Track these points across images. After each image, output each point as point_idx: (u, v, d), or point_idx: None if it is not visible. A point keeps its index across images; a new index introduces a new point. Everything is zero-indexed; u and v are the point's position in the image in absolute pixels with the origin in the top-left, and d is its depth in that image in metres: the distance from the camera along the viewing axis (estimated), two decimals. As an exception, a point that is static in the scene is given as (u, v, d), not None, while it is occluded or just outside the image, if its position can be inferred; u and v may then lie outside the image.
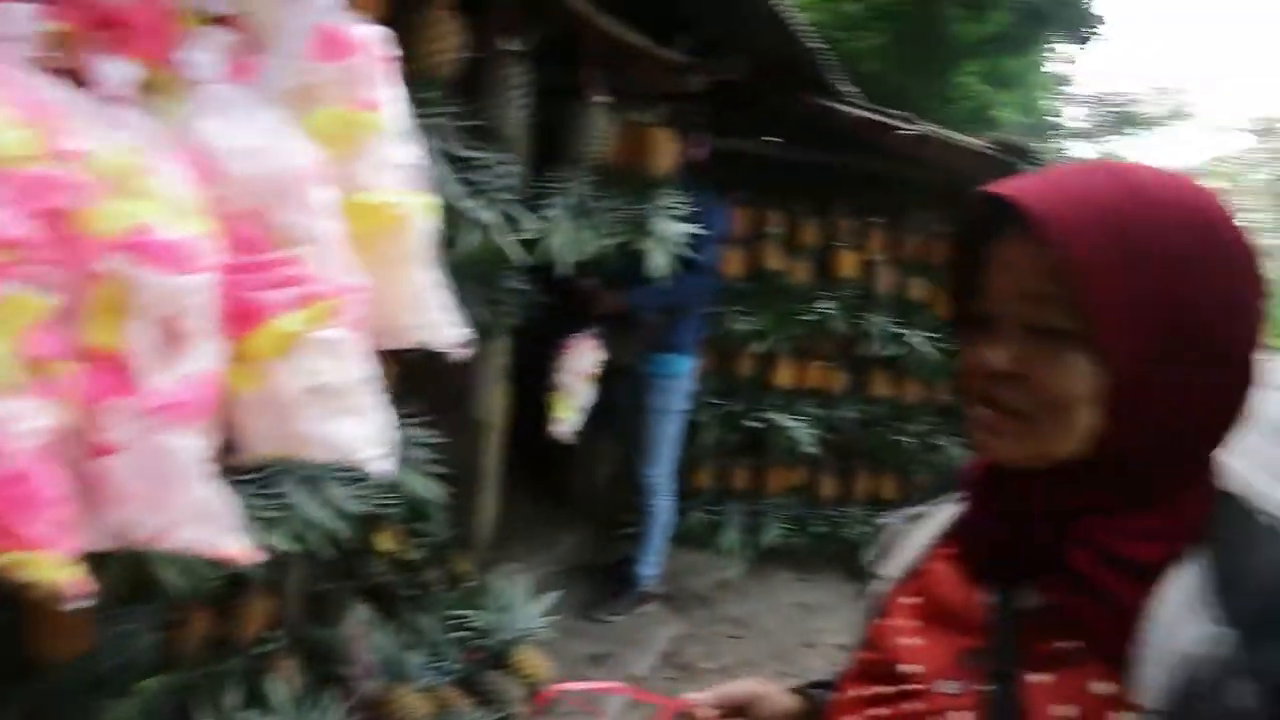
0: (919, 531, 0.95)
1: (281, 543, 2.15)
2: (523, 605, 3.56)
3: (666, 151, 3.20)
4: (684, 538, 4.86)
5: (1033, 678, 0.74)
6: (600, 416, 4.62)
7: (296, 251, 1.13)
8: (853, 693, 0.87)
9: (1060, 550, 0.75)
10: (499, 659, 3.36)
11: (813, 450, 4.72)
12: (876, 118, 4.25)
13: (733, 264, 4.56)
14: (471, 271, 3.01)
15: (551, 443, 5.30)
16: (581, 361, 3.88)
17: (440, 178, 2.13)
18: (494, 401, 3.72)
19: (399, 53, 2.10)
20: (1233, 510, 0.75)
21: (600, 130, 2.95)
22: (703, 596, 4.53)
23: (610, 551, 4.75)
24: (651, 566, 4.28)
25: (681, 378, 4.10)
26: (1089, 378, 0.72)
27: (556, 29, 3.21)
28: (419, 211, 1.35)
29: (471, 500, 3.77)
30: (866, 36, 15.31)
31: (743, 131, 4.85)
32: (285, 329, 1.12)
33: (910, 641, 0.86)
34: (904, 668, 0.83)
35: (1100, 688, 0.70)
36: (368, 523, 3.11)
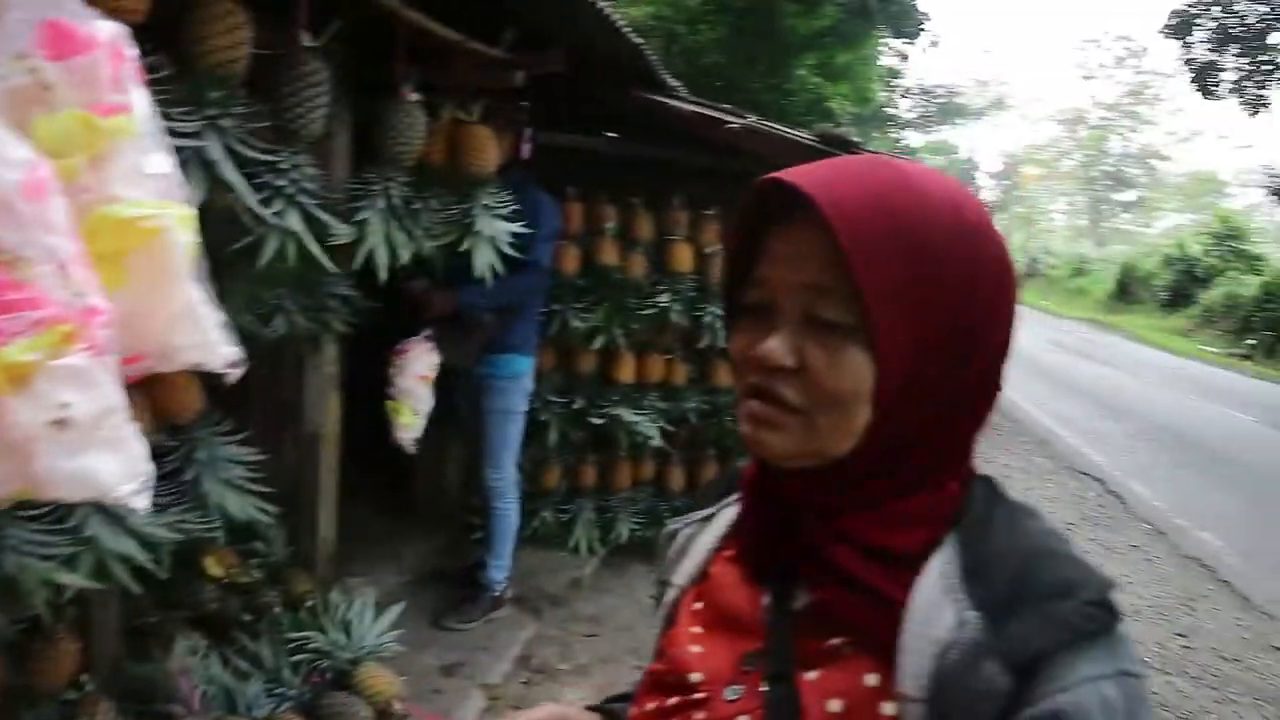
0: (704, 535, 0.95)
1: (82, 580, 1.99)
2: (366, 621, 3.45)
3: (489, 149, 3.13)
4: (534, 538, 4.82)
5: (808, 675, 0.75)
6: (442, 421, 4.53)
7: (23, 273, 1.02)
8: (647, 706, 0.86)
9: (823, 544, 0.75)
10: (343, 679, 3.24)
11: (659, 443, 4.74)
12: (704, 112, 4.30)
13: (569, 260, 4.53)
14: (288, 280, 2.90)
15: (396, 450, 5.18)
16: (418, 366, 3.76)
17: (234, 182, 2.01)
18: (327, 412, 3.58)
19: (185, 47, 2.00)
20: (980, 496, 0.78)
21: (417, 128, 2.85)
22: (556, 597, 4.49)
23: (459, 558, 4.67)
24: (501, 570, 4.22)
25: (519, 378, 4.05)
26: (867, 374, 0.72)
27: (364, 23, 3.11)
28: (178, 224, 1.24)
29: (308, 516, 3.62)
30: (705, 30, 15.64)
31: (577, 127, 4.84)
32: (16, 358, 1.02)
33: (695, 649, 0.85)
34: (692, 676, 0.82)
35: (870, 679, 0.72)
36: (189, 548, 2.95)
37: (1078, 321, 26.95)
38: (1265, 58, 16.74)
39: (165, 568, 2.45)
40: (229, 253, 2.36)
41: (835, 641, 0.75)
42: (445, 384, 3.89)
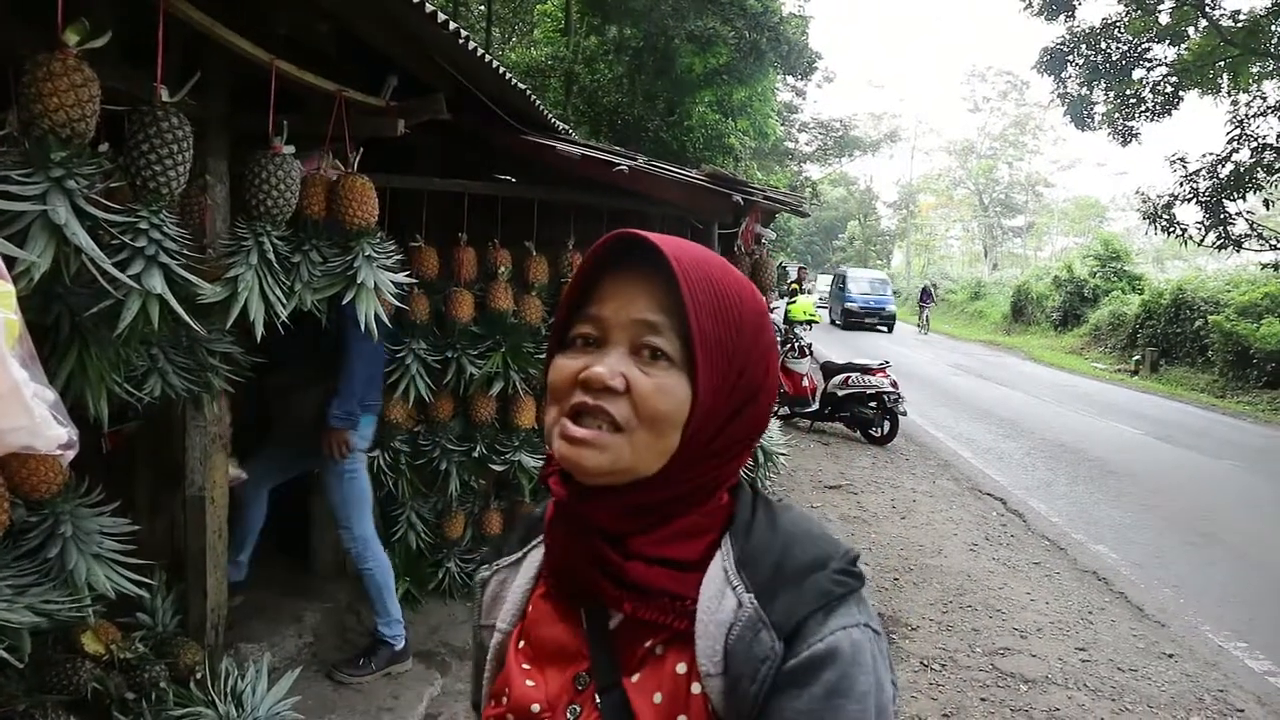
0: (517, 578, 1.02)
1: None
2: (260, 691, 3.29)
3: (369, 199, 3.07)
4: (439, 591, 4.71)
5: (632, 679, 0.87)
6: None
7: None
8: None
9: (615, 563, 0.87)
10: (235, 755, 3.09)
11: (562, 487, 4.68)
12: (593, 154, 4.32)
13: (463, 307, 4.47)
14: (160, 340, 2.78)
15: (294, 505, 5.02)
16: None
17: (84, 245, 1.92)
18: (212, 473, 3.43)
19: (26, 107, 1.91)
20: (745, 500, 0.93)
21: (291, 180, 2.79)
22: (464, 650, 4.38)
23: (364, 615, 4.53)
24: (391, 625, 4.10)
25: (358, 438, 4.00)
26: (685, 402, 0.85)
27: (240, 76, 3.04)
28: (-6, 300, 1.17)
29: (196, 582, 3.46)
30: (603, 70, 15.84)
31: (469, 173, 4.82)
32: None
33: (529, 684, 0.93)
34: (533, 708, 0.91)
35: (680, 668, 0.85)
36: (62, 626, 2.79)
37: (977, 344, 27.89)
38: (1131, 91, 17.74)
39: (24, 653, 2.31)
40: (88, 317, 2.26)
41: (649, 643, 0.87)
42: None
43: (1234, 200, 16.01)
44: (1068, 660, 4.86)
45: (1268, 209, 16.37)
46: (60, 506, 2.44)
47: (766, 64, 16.05)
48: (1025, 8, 17.96)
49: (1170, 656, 4.99)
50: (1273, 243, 16.02)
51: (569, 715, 0.89)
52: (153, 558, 3.30)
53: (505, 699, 0.93)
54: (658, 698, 0.85)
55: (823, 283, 38.76)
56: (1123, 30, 17.37)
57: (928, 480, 8.95)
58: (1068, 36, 17.89)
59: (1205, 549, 7.15)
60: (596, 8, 15.02)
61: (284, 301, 2.80)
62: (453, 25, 3.02)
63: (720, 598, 0.84)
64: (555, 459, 0.90)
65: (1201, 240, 16.50)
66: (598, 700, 0.87)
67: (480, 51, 3.34)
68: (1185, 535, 7.49)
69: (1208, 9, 16.05)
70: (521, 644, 0.97)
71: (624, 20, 14.73)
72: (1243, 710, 4.41)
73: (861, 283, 32.36)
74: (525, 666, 0.94)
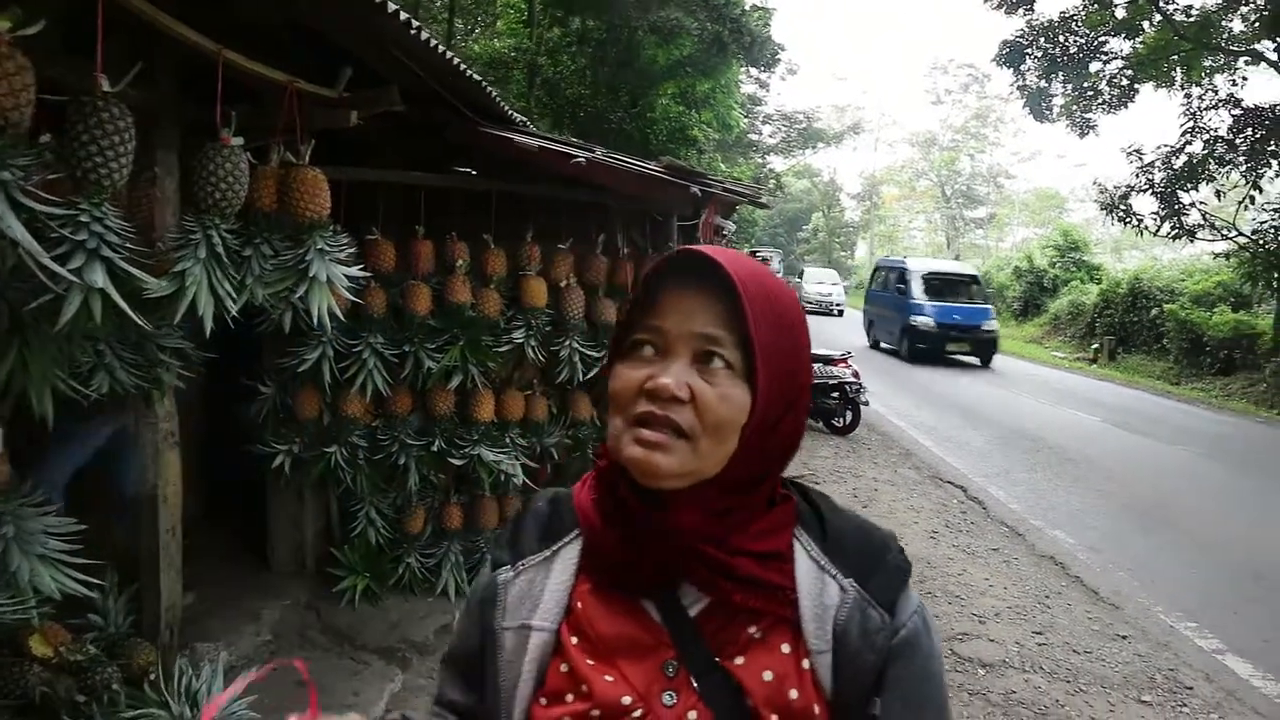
0: (548, 575, 1.02)
1: None
2: (215, 690, 3.25)
3: (321, 191, 3.04)
4: (399, 586, 4.68)
5: (736, 661, 0.93)
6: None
7: None
8: None
9: (723, 559, 0.93)
10: (190, 756, 3.05)
11: (522, 480, 4.68)
12: (551, 146, 4.30)
13: (420, 300, 4.44)
14: (105, 335, 2.73)
15: (251, 501, 4.97)
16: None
17: (20, 238, 1.88)
18: (164, 471, 3.38)
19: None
20: (800, 493, 1.04)
21: (239, 173, 2.74)
22: (424, 645, 4.35)
23: (324, 613, 4.50)
24: None
25: None
26: (745, 408, 0.92)
27: (179, 67, 2.99)
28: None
29: (149, 582, 3.41)
30: (566, 61, 15.77)
31: (427, 165, 4.78)
32: None
33: (607, 679, 0.95)
34: (624, 700, 0.93)
35: (785, 648, 0.93)
36: (8, 629, 2.73)
37: (940, 334, 28.13)
38: (1088, 84, 18.00)
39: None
40: (28, 312, 2.21)
41: (750, 630, 0.94)
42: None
43: (1188, 191, 16.31)
44: (1025, 644, 4.94)
45: (1219, 200, 16.71)
46: (1, 506, 2.38)
47: (729, 56, 16.07)
48: (986, 0, 18.14)
49: (1124, 638, 5.09)
50: (1224, 233, 16.34)
51: (665, 701, 0.93)
52: (107, 557, 3.26)
53: (579, 696, 0.95)
54: (767, 675, 0.92)
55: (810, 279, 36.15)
56: (1080, 24, 17.62)
57: (889, 469, 9.04)
58: (1027, 30, 18.11)
59: (1159, 533, 7.29)
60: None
61: (234, 296, 2.76)
62: (404, 16, 2.98)
63: (821, 585, 0.95)
64: (619, 460, 0.95)
65: (1157, 230, 16.80)
66: (695, 684, 0.93)
67: (435, 43, 3.31)
68: (1140, 520, 7.64)
69: (1162, 3, 16.31)
70: (576, 641, 0.98)
71: (587, 12, 14.68)
72: (1191, 688, 4.51)
73: (934, 284, 19.34)
74: (591, 662, 0.96)
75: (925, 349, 18.19)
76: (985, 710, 4.19)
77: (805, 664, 0.92)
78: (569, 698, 0.95)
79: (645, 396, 0.93)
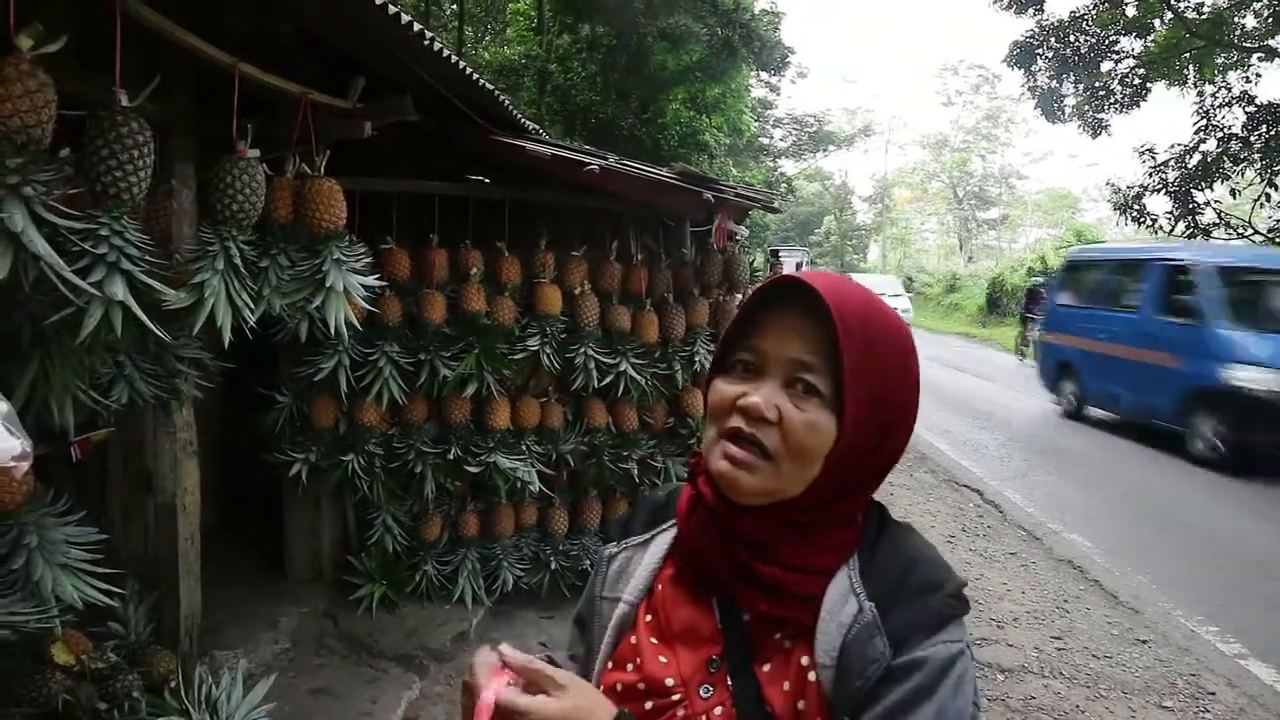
0: (644, 556, 1.12)
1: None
2: (235, 698, 3.27)
3: (337, 201, 3.06)
4: (416, 594, 4.69)
5: (763, 668, 0.97)
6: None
7: None
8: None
9: (757, 567, 0.98)
10: (211, 764, 3.07)
11: (538, 486, 4.68)
12: (563, 154, 4.31)
13: (435, 309, 4.46)
14: (126, 346, 2.76)
15: (269, 510, 5.00)
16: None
17: (42, 252, 1.90)
18: (183, 480, 3.40)
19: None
20: (874, 520, 1.04)
21: (255, 185, 2.76)
22: (441, 652, 4.36)
23: (341, 620, 4.51)
24: None
25: None
26: (830, 436, 0.95)
27: (205, 80, 3.01)
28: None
29: (169, 590, 3.44)
30: (576, 68, 15.81)
31: (442, 174, 4.80)
32: None
33: (662, 659, 1.02)
34: (667, 681, 1.00)
35: (804, 660, 0.96)
36: (31, 637, 2.75)
37: (954, 336, 28.06)
38: (1099, 84, 17.90)
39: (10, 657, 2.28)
40: (49, 325, 2.23)
41: (778, 636, 0.98)
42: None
43: (1202, 190, 16.17)
44: (1044, 649, 4.91)
45: (1234, 198, 16.58)
46: (25, 517, 2.41)
47: (739, 60, 16.06)
48: (994, 1, 18.07)
49: (1144, 642, 5.05)
50: (1240, 231, 16.21)
51: (701, 694, 0.99)
52: (127, 566, 3.28)
53: (634, 668, 1.04)
54: (786, 685, 0.96)
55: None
56: (1091, 23, 17.51)
57: (905, 473, 9.00)
58: (1037, 30, 18.02)
59: (1178, 536, 7.23)
60: (569, 6, 14.99)
61: (252, 306, 2.78)
62: (417, 27, 3.00)
63: (844, 601, 0.96)
64: (710, 473, 1.01)
65: (1171, 230, 16.67)
66: (730, 683, 0.98)
67: (447, 52, 3.32)
68: (1158, 523, 7.58)
69: (1173, 1, 16.22)
70: (649, 618, 1.07)
71: (596, 18, 14.71)
72: (1214, 693, 4.47)
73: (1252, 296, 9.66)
74: (654, 641, 1.04)
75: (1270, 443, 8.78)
76: (1005, 716, 4.16)
77: (813, 676, 0.95)
78: (628, 666, 1.04)
79: (737, 413, 0.97)
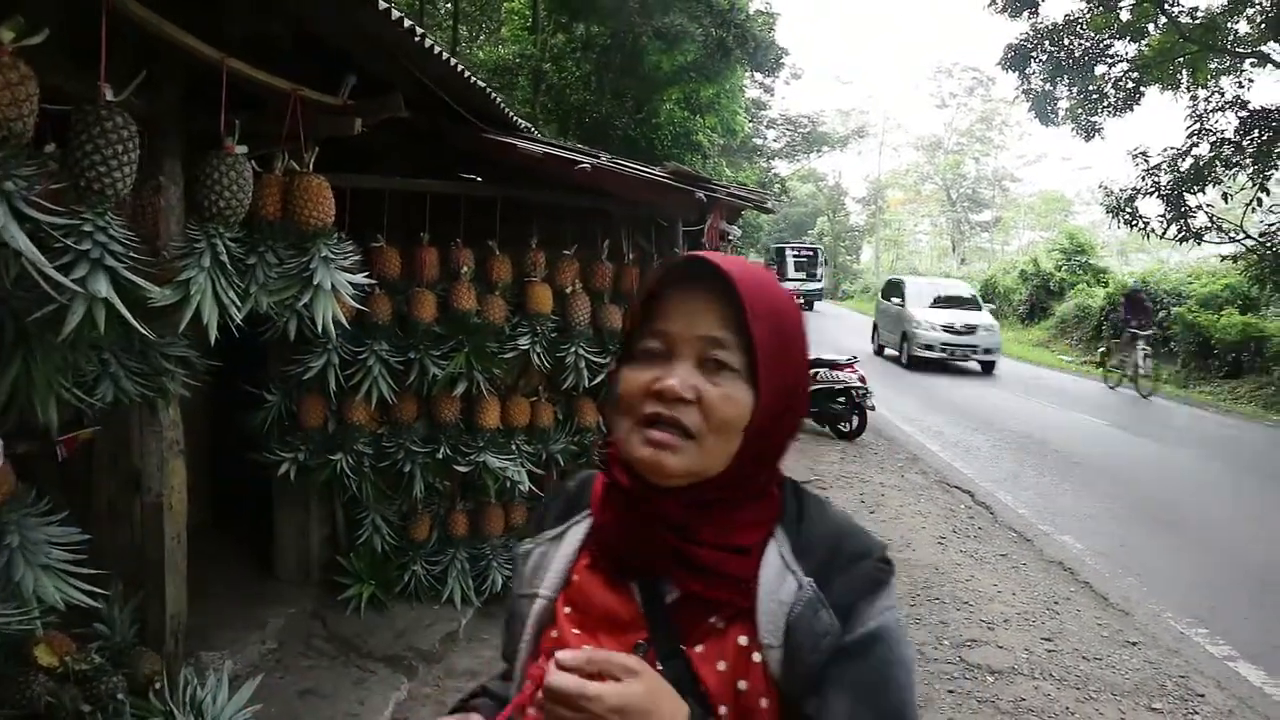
0: (559, 549, 1.11)
1: None
2: (221, 700, 3.25)
3: (325, 199, 3.03)
4: (405, 594, 4.67)
5: (696, 649, 0.97)
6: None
7: None
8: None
9: (687, 549, 0.98)
10: (197, 766, 3.04)
11: (528, 486, 4.66)
12: (555, 152, 4.30)
13: (425, 307, 4.44)
14: (110, 344, 2.73)
15: (258, 509, 4.97)
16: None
17: (23, 248, 1.88)
18: (169, 479, 3.37)
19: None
20: (791, 495, 1.05)
21: (243, 181, 2.74)
22: (430, 653, 4.34)
23: (329, 621, 4.49)
24: None
25: None
26: (748, 407, 0.96)
27: (192, 76, 2.98)
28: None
29: (155, 591, 3.41)
30: (571, 68, 15.80)
31: (434, 172, 4.78)
32: None
33: (585, 648, 0.97)
34: None
35: (742, 640, 0.96)
36: (12, 639, 2.73)
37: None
38: (1093, 87, 17.95)
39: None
40: (32, 322, 2.20)
41: (711, 619, 0.97)
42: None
43: (1194, 194, 16.22)
44: (1034, 650, 4.90)
45: (1226, 202, 16.63)
46: (6, 516, 2.38)
47: (733, 61, 16.07)
48: (989, 5, 18.09)
49: (1134, 644, 5.05)
50: (1232, 235, 16.27)
51: None
52: (113, 566, 3.25)
53: None
54: (721, 665, 0.96)
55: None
56: (1085, 27, 17.56)
57: (896, 474, 9.01)
58: (1031, 33, 18.06)
59: (1168, 538, 7.24)
60: (563, 6, 14.97)
61: (239, 304, 2.75)
62: (408, 23, 2.98)
63: (781, 580, 0.97)
64: (629, 461, 1.00)
65: (1163, 233, 16.70)
66: (659, 666, 0.95)
67: (439, 49, 3.30)
68: (1149, 525, 7.59)
69: (1167, 6, 16.27)
70: (568, 609, 1.05)
71: (591, 18, 14.70)
72: (1203, 695, 4.47)
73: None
74: (576, 632, 1.02)
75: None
76: (995, 717, 4.16)
77: (757, 657, 0.95)
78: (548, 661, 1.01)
79: (652, 398, 0.97)
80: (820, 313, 33.65)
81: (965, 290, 21.42)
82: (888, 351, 20.28)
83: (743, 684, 0.95)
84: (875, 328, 21.60)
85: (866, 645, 0.94)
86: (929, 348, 17.89)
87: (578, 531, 1.11)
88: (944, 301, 19.47)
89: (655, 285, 1.03)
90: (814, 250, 37.33)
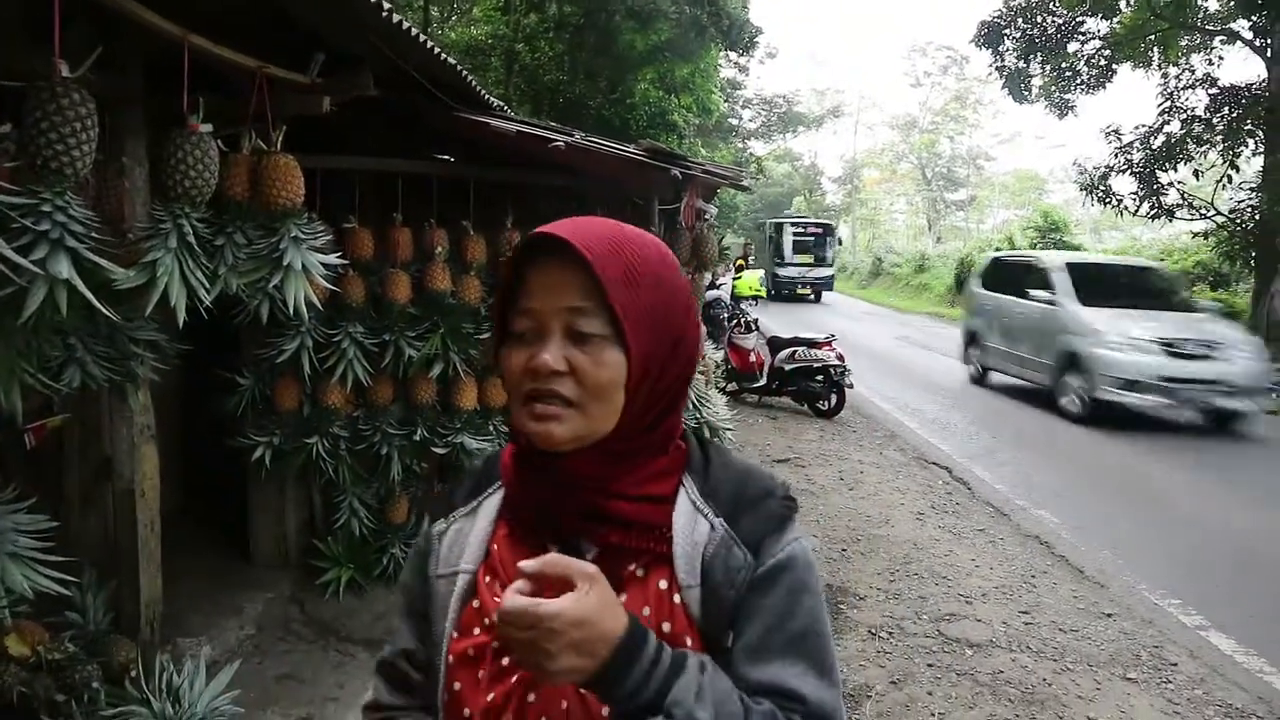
0: (474, 523, 1.12)
1: None
2: (198, 686, 3.21)
3: (294, 178, 2.98)
4: (384, 577, 4.64)
5: (620, 599, 0.95)
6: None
7: None
8: (480, 674, 1.02)
9: (609, 505, 1.01)
10: (175, 753, 3.01)
11: (506, 467, 4.64)
12: (529, 131, 4.25)
13: (400, 288, 4.39)
14: (75, 328, 2.68)
15: (233, 493, 4.92)
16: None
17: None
18: (141, 465, 3.33)
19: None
20: (695, 446, 1.11)
21: (209, 161, 2.68)
22: (410, 636, 4.32)
23: (307, 605, 4.46)
24: None
25: None
26: (621, 369, 0.98)
27: (146, 53, 2.92)
28: None
29: (129, 577, 3.37)
30: (544, 47, 15.67)
31: (407, 152, 4.71)
32: None
33: None
34: None
35: (662, 584, 1.01)
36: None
37: (922, 315, 28.25)
38: (1066, 64, 18.03)
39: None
40: (-10, 304, 2.15)
41: (631, 567, 1.02)
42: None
43: (1166, 171, 16.38)
44: (1011, 623, 4.95)
45: (1198, 179, 16.81)
46: (-30, 504, 2.33)
47: (708, 40, 16.00)
48: (963, -18, 18.11)
49: (1109, 616, 5.11)
50: (1203, 212, 16.43)
51: None
52: (86, 554, 3.21)
53: (482, 629, 1.04)
54: (645, 610, 0.99)
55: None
56: (1057, 4, 17.63)
57: (875, 452, 9.05)
58: (1005, 10, 18.11)
59: (1143, 511, 7.33)
60: (536, -16, 14.83)
61: (207, 286, 2.71)
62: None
63: (693, 523, 1.02)
64: (523, 436, 1.03)
65: (1136, 210, 16.87)
66: None
67: (408, 26, 3.25)
68: (1124, 499, 7.68)
69: (1138, -18, 16.36)
70: (489, 580, 1.07)
71: (564, -3, 14.58)
72: (1176, 664, 4.54)
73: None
74: (499, 600, 0.99)
75: None
76: (973, 690, 4.19)
77: (677, 598, 1.00)
78: (475, 630, 1.05)
79: (529, 375, 0.99)
80: (829, 304, 31.14)
81: (1158, 274, 13.16)
82: (997, 378, 13.18)
83: (666, 625, 0.99)
84: (971, 338, 13.79)
85: (775, 575, 1.01)
86: (1131, 386, 10.16)
87: (491, 504, 1.13)
88: (1126, 296, 11.30)
89: (515, 265, 1.04)
90: (823, 227, 32.72)
